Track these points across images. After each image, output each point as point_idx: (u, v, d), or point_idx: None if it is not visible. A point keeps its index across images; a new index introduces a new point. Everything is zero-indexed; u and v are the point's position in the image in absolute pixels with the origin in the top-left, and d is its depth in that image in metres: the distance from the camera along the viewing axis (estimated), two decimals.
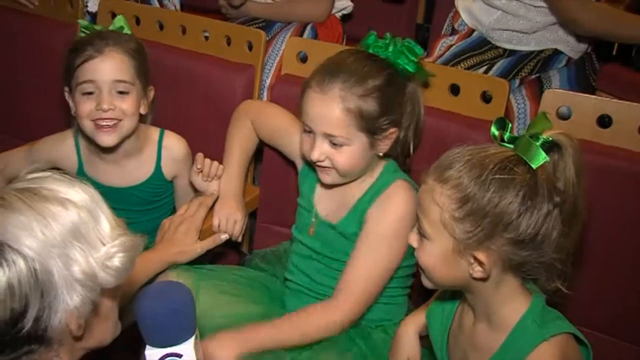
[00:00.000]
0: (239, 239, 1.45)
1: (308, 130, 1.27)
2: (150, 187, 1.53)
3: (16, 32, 1.92)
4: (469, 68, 1.86)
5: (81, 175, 1.50)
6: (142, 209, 1.54)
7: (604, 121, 1.34)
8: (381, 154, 1.29)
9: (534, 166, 0.93)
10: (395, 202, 1.27)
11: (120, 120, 1.39)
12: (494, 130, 0.99)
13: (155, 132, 1.52)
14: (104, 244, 0.83)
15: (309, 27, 2.07)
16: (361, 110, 1.22)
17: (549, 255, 0.95)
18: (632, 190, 1.29)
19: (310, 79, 1.27)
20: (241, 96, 1.63)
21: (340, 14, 2.16)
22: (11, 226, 0.77)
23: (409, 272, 1.34)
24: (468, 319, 1.08)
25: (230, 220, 1.43)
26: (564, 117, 1.37)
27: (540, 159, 0.93)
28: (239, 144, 1.49)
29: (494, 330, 1.02)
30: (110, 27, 1.46)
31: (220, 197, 1.45)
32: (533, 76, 1.86)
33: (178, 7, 2.16)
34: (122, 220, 0.89)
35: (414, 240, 1.03)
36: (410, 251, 1.29)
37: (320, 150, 1.25)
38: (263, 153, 1.58)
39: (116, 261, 0.83)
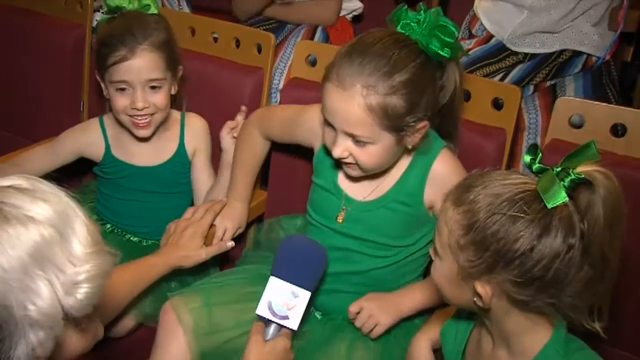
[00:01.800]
0: (227, 244, 1.42)
1: (329, 124, 1.18)
2: (175, 165, 1.57)
3: (26, 32, 1.91)
4: (485, 76, 1.83)
5: (110, 159, 1.56)
6: (166, 191, 1.58)
7: (618, 130, 1.31)
8: (410, 147, 1.20)
9: (549, 206, 0.87)
10: (453, 171, 1.22)
11: (154, 113, 1.45)
12: (526, 157, 0.93)
13: (177, 113, 1.59)
14: (73, 265, 0.76)
15: (319, 30, 2.06)
16: (386, 108, 1.11)
17: (560, 298, 0.90)
18: None
19: (332, 68, 1.14)
20: (250, 98, 1.62)
21: (350, 15, 2.15)
22: None
23: (422, 262, 1.32)
24: (487, 343, 1.04)
25: (220, 227, 1.42)
26: (576, 126, 1.34)
27: (557, 199, 0.87)
28: (245, 154, 1.48)
29: (514, 358, 0.99)
30: (136, 5, 1.47)
31: (226, 204, 1.45)
32: (548, 83, 1.83)
33: (186, 9, 2.15)
34: (98, 230, 0.81)
35: (432, 253, 1.00)
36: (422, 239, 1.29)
37: (343, 147, 1.16)
38: (270, 158, 1.57)
39: (81, 292, 0.76)
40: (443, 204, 0.96)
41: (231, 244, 1.41)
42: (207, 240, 1.40)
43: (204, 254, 1.37)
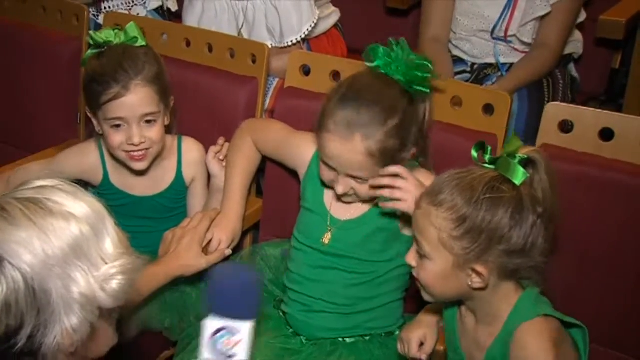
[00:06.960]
0: (226, 252, 1.42)
1: (329, 166, 1.27)
2: (173, 193, 1.57)
3: (23, 45, 1.93)
4: None
5: (107, 186, 1.55)
6: (162, 216, 1.57)
7: (606, 134, 1.34)
8: None
9: (517, 183, 1.04)
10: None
11: (149, 148, 1.45)
12: (474, 152, 1.09)
13: (173, 139, 1.58)
14: (105, 262, 0.82)
15: (304, 47, 2.03)
16: (384, 150, 1.23)
17: (536, 259, 1.06)
18: (635, 204, 1.28)
19: (327, 117, 1.24)
20: (245, 108, 1.64)
21: (333, 23, 2.08)
22: (12, 242, 0.76)
23: (403, 272, 1.34)
24: (469, 319, 1.15)
25: (215, 238, 1.41)
26: (566, 130, 1.37)
27: (521, 175, 1.03)
28: (240, 163, 1.49)
29: (494, 327, 1.11)
30: (123, 39, 1.46)
31: (220, 214, 1.45)
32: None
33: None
34: (127, 237, 0.88)
35: (412, 260, 1.10)
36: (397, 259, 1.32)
37: (345, 186, 1.27)
38: (266, 165, 1.58)
39: (114, 283, 0.82)
40: (418, 210, 1.08)
41: (229, 251, 1.42)
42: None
43: (204, 263, 1.38)
